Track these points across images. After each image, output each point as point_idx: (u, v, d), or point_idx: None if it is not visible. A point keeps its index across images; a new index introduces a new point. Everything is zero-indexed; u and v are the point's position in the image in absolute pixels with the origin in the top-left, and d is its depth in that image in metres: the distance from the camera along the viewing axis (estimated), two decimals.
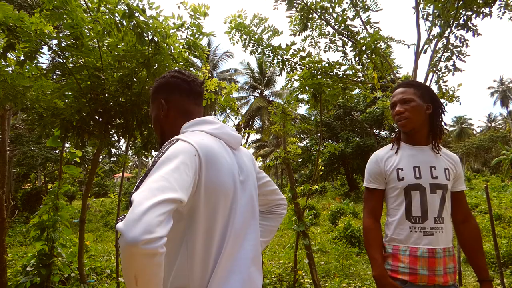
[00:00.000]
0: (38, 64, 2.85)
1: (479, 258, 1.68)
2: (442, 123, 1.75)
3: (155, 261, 0.82)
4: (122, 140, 3.52)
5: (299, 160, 24.72)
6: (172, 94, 1.26)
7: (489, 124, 65.73)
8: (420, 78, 3.53)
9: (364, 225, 1.77)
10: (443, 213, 1.63)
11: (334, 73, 3.65)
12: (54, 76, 3.33)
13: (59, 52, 2.65)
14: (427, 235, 1.60)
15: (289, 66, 3.74)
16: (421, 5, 3.25)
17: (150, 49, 2.59)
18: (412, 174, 1.66)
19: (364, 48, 3.32)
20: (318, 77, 3.61)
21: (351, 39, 3.47)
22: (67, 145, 3.86)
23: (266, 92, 34.38)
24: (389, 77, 3.69)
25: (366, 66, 3.66)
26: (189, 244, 1.04)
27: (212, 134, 1.18)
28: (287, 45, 3.54)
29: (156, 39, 2.54)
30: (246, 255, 1.14)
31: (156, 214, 0.82)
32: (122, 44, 2.74)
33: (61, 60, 2.76)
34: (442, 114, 1.75)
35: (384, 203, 1.81)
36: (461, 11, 3.01)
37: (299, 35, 3.77)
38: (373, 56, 3.35)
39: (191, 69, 3.16)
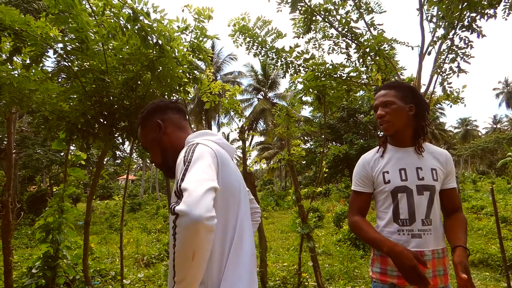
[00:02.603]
0: (44, 68, 2.88)
1: (460, 232, 1.58)
2: (426, 122, 1.71)
3: (211, 237, 0.97)
4: (127, 143, 3.53)
5: (303, 162, 24.69)
6: (165, 113, 1.42)
7: (495, 126, 65.28)
8: (425, 79, 3.52)
9: (350, 221, 1.74)
10: (431, 214, 1.61)
11: (338, 75, 3.65)
12: (60, 79, 3.35)
13: (64, 56, 2.68)
14: (415, 237, 1.59)
15: (292, 68, 3.74)
16: (425, 7, 3.24)
17: (155, 52, 2.61)
18: (398, 177, 1.64)
19: (368, 50, 3.31)
20: (322, 79, 3.60)
21: (355, 41, 3.46)
22: (72, 147, 3.88)
23: (270, 94, 34.41)
24: (393, 79, 3.68)
25: (370, 68, 3.65)
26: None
27: (217, 144, 1.31)
28: (290, 47, 3.54)
29: (160, 42, 2.55)
30: (252, 251, 1.28)
31: (210, 197, 0.98)
32: (127, 47, 2.76)
33: (66, 64, 2.78)
34: (427, 114, 1.72)
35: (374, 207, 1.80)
36: (465, 12, 3.00)
37: (302, 37, 3.77)
38: (377, 58, 3.34)
39: (195, 71, 3.17)
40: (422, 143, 1.70)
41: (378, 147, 1.81)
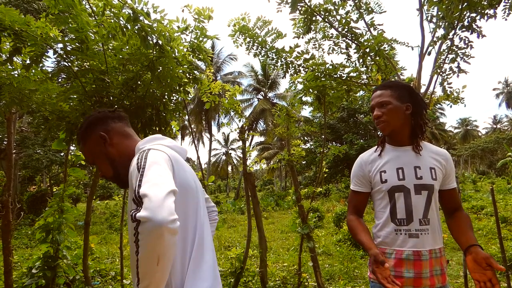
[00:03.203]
0: (44, 68, 2.88)
1: (469, 231, 1.59)
2: (424, 121, 1.70)
3: (175, 239, 0.97)
4: None
5: (303, 162, 24.68)
6: (107, 124, 1.37)
7: (495, 126, 65.31)
8: (425, 80, 3.52)
9: (347, 220, 1.77)
10: (429, 214, 1.60)
11: (338, 75, 3.65)
12: (60, 80, 3.35)
13: (64, 56, 2.68)
14: (412, 237, 1.58)
15: (292, 68, 3.74)
16: (425, 7, 3.24)
17: (155, 52, 2.61)
18: (395, 176, 1.63)
19: (368, 50, 3.31)
20: (322, 79, 3.60)
21: (355, 41, 3.46)
22: (72, 147, 3.88)
23: (270, 94, 34.43)
24: (393, 79, 3.68)
25: (370, 68, 3.65)
26: None
27: (169, 147, 1.30)
28: (290, 47, 3.54)
29: (160, 42, 2.55)
30: (211, 248, 1.30)
31: (171, 200, 0.97)
32: (127, 47, 2.76)
33: (66, 64, 2.78)
34: (424, 112, 1.71)
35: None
36: (465, 12, 3.00)
37: (302, 37, 3.77)
38: (377, 58, 3.34)
39: (195, 71, 3.17)
40: (420, 141, 1.70)
41: (376, 146, 1.80)
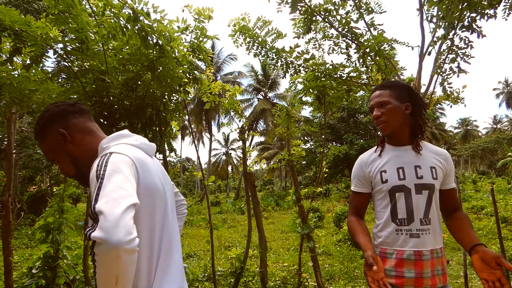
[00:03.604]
0: (44, 68, 2.87)
1: (471, 231, 1.59)
2: (423, 121, 1.70)
3: (134, 258, 0.94)
4: None
5: (303, 162, 24.68)
6: (67, 119, 1.28)
7: (495, 126, 65.30)
8: (425, 80, 3.52)
9: (347, 221, 1.77)
10: (430, 214, 1.60)
11: (338, 75, 3.65)
12: (60, 80, 3.35)
13: (64, 56, 2.68)
14: (413, 237, 1.58)
15: (292, 68, 3.74)
16: (425, 7, 3.24)
17: (155, 52, 2.61)
18: (396, 176, 1.63)
19: (368, 50, 3.31)
20: (322, 79, 3.60)
21: (355, 41, 3.46)
22: None
23: (270, 94, 34.41)
24: (393, 79, 3.68)
25: (370, 68, 3.65)
26: None
27: (134, 145, 1.26)
28: (290, 47, 3.54)
29: (160, 42, 2.55)
30: (179, 249, 1.30)
31: (129, 217, 0.93)
32: (127, 47, 2.76)
33: (66, 64, 2.78)
34: (424, 111, 1.70)
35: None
36: (465, 12, 3.00)
37: (302, 37, 3.77)
38: (377, 58, 3.34)
39: (195, 71, 3.17)
40: (420, 141, 1.69)
41: (375, 146, 1.80)
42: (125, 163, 1.09)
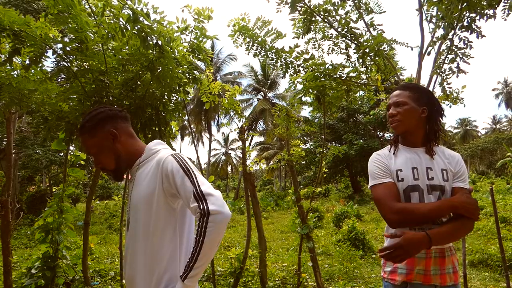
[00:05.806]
0: (43, 68, 2.88)
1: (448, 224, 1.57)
2: (438, 127, 1.71)
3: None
4: None
5: (303, 162, 24.66)
6: (117, 122, 1.49)
7: (494, 126, 65.31)
8: (424, 80, 3.52)
9: (396, 209, 1.55)
10: None
11: (338, 76, 3.65)
12: (59, 80, 3.35)
13: (63, 56, 2.68)
14: None
15: (292, 68, 3.74)
16: (425, 7, 3.24)
17: (155, 52, 2.61)
18: (411, 175, 1.64)
19: (367, 50, 3.31)
20: (322, 79, 3.60)
21: (355, 42, 3.46)
22: (71, 148, 3.88)
23: (270, 94, 34.40)
24: (392, 79, 3.68)
25: (369, 68, 3.65)
26: (180, 237, 1.37)
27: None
28: (290, 47, 3.54)
29: (160, 42, 2.55)
30: None
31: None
32: (127, 48, 2.76)
33: (65, 64, 2.78)
34: (440, 118, 1.72)
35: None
36: (464, 13, 3.00)
37: (302, 37, 3.77)
38: (377, 58, 3.34)
39: (195, 72, 3.17)
40: (433, 146, 1.70)
41: (389, 146, 1.81)
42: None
